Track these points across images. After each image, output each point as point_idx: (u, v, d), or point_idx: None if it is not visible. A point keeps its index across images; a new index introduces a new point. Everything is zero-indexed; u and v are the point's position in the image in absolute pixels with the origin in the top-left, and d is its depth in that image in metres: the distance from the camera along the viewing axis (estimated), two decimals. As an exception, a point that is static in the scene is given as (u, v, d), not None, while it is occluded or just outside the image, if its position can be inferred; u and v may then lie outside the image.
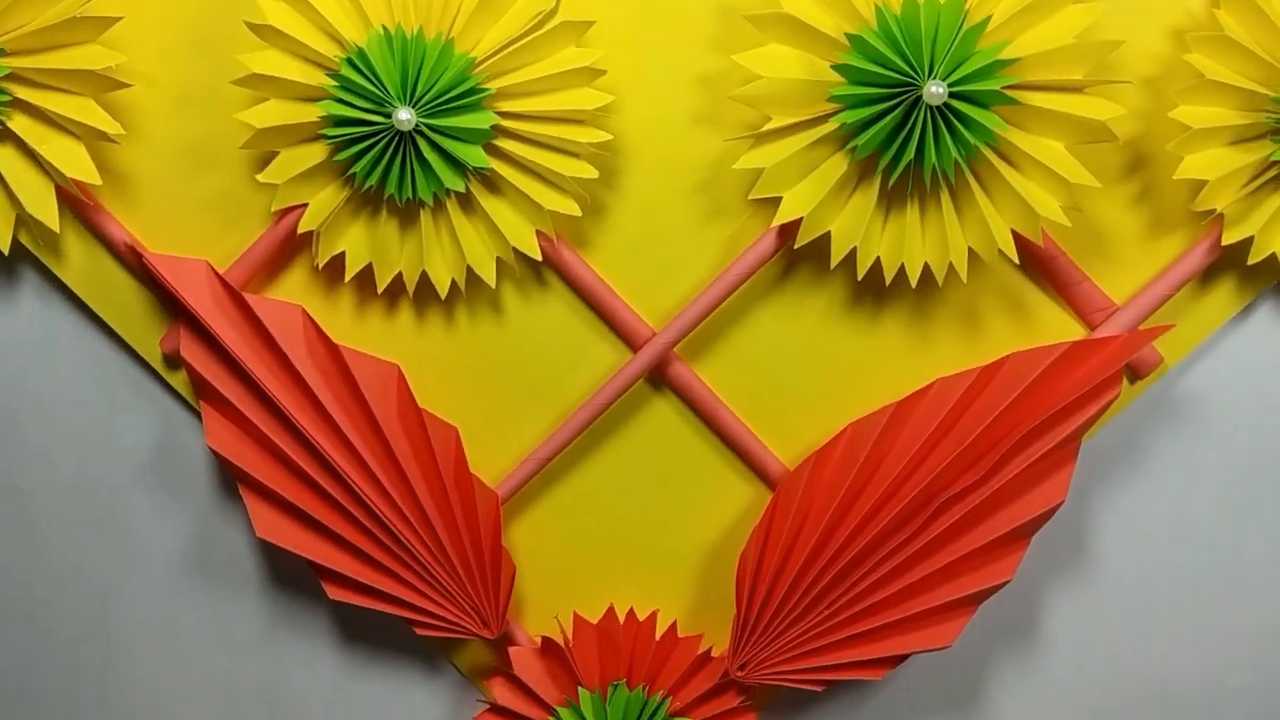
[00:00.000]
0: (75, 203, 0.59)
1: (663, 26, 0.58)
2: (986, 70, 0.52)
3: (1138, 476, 0.62)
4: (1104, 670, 0.63)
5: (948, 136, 0.53)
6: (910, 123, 0.52)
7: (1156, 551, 0.62)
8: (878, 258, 0.56)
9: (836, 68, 0.53)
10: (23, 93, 0.56)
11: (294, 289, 0.60)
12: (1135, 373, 0.59)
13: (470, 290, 0.60)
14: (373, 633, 0.65)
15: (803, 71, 0.54)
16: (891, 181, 0.55)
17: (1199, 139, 0.54)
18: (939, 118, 0.52)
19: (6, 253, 0.58)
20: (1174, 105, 0.54)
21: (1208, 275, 0.58)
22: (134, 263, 0.60)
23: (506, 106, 0.56)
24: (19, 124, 0.56)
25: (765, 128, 0.55)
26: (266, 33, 0.55)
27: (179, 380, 0.62)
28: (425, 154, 0.55)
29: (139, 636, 0.65)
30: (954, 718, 0.64)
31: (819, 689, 0.59)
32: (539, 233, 0.58)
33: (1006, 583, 0.58)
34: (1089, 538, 0.62)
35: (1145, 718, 0.63)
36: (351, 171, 0.56)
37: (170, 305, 0.61)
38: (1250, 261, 0.56)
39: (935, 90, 0.51)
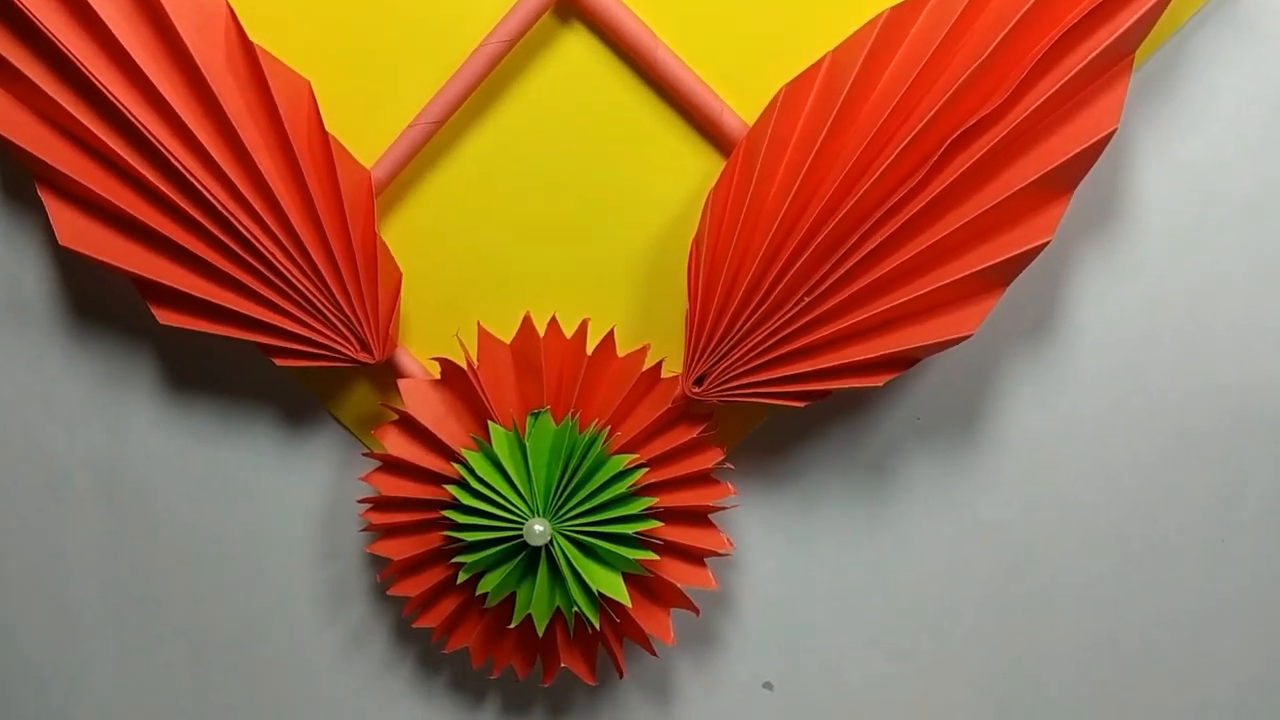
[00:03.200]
0: None
1: None
2: None
3: (1194, 114, 0.47)
4: (1166, 379, 0.49)
5: None
6: None
7: (1214, 213, 0.47)
8: None
9: None
10: None
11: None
12: (1199, -32, 0.45)
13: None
14: (227, 382, 0.50)
15: None
16: None
17: None
18: None
19: None
20: None
21: None
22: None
23: None
24: None
25: None
26: None
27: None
28: None
29: (-69, 404, 0.51)
30: (972, 452, 0.49)
31: (801, 404, 0.45)
32: None
33: (1045, 245, 0.44)
34: (1133, 203, 0.47)
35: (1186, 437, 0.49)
36: None
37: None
38: None
39: None
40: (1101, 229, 0.48)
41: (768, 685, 0.52)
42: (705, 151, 0.47)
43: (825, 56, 0.45)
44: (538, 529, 0.45)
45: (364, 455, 0.48)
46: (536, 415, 0.46)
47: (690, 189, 0.47)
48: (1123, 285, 0.48)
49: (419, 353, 0.48)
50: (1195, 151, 0.47)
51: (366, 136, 0.47)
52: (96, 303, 0.50)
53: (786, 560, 0.50)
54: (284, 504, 0.51)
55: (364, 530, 0.49)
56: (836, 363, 0.45)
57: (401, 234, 0.48)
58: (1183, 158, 0.47)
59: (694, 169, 0.47)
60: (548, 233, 0.48)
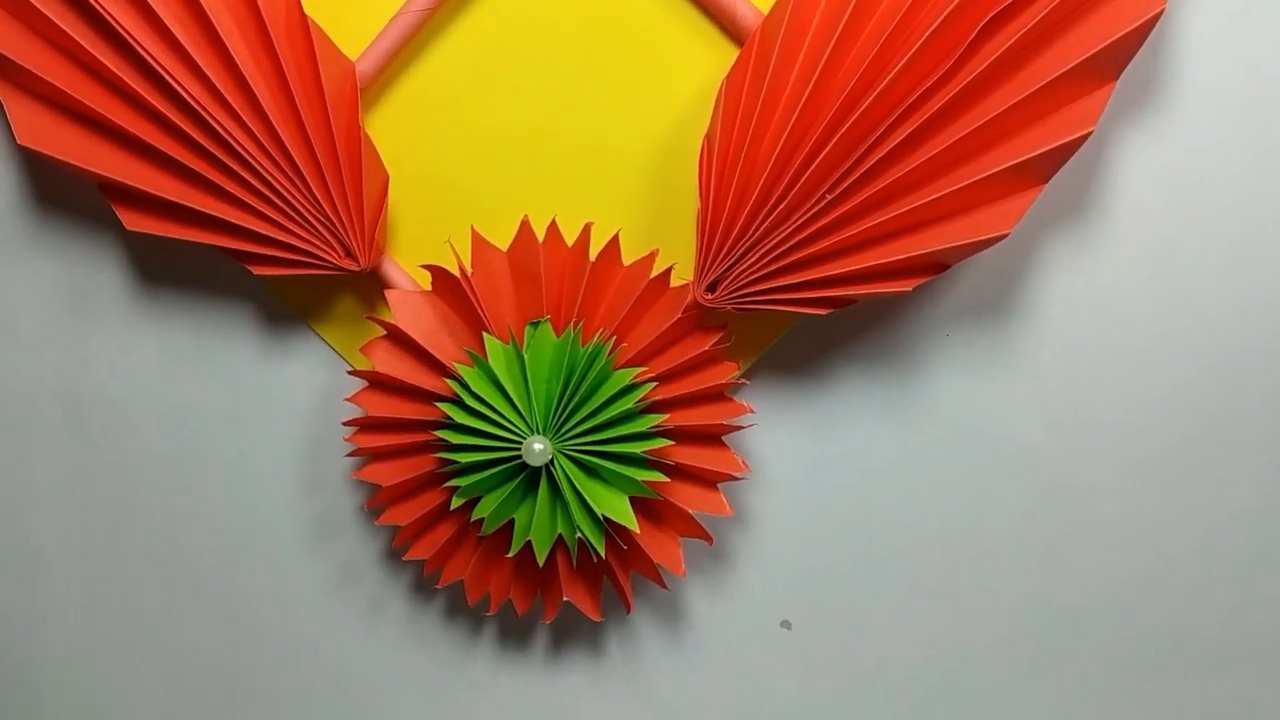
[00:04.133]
0: None
1: None
2: None
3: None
4: (1204, 282, 0.45)
5: None
6: None
7: (1264, 114, 0.44)
8: None
9: None
10: None
11: None
12: None
13: None
14: (202, 296, 0.47)
15: None
16: None
17: None
18: None
19: None
20: None
21: None
22: None
23: None
24: None
25: None
26: None
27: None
28: None
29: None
30: (1005, 373, 0.46)
31: (823, 310, 0.42)
32: None
33: (1086, 137, 0.40)
34: (1179, 81, 0.44)
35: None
36: None
37: None
38: None
39: None
40: (1149, 116, 0.44)
41: (786, 624, 0.48)
42: (717, 43, 0.44)
43: (847, -63, 0.41)
44: (537, 447, 0.42)
45: (349, 374, 0.45)
46: (536, 326, 0.43)
47: (701, 83, 0.44)
48: (1171, 198, 0.44)
49: (407, 262, 0.45)
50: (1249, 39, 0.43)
51: (350, 24, 0.43)
52: (57, 211, 0.46)
53: (806, 486, 0.47)
54: (264, 428, 0.47)
55: (350, 455, 0.45)
56: (861, 266, 0.41)
57: (389, 131, 0.44)
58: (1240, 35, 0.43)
59: (706, 61, 0.44)
60: (547, 130, 0.44)
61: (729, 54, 0.43)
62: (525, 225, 0.43)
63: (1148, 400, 0.46)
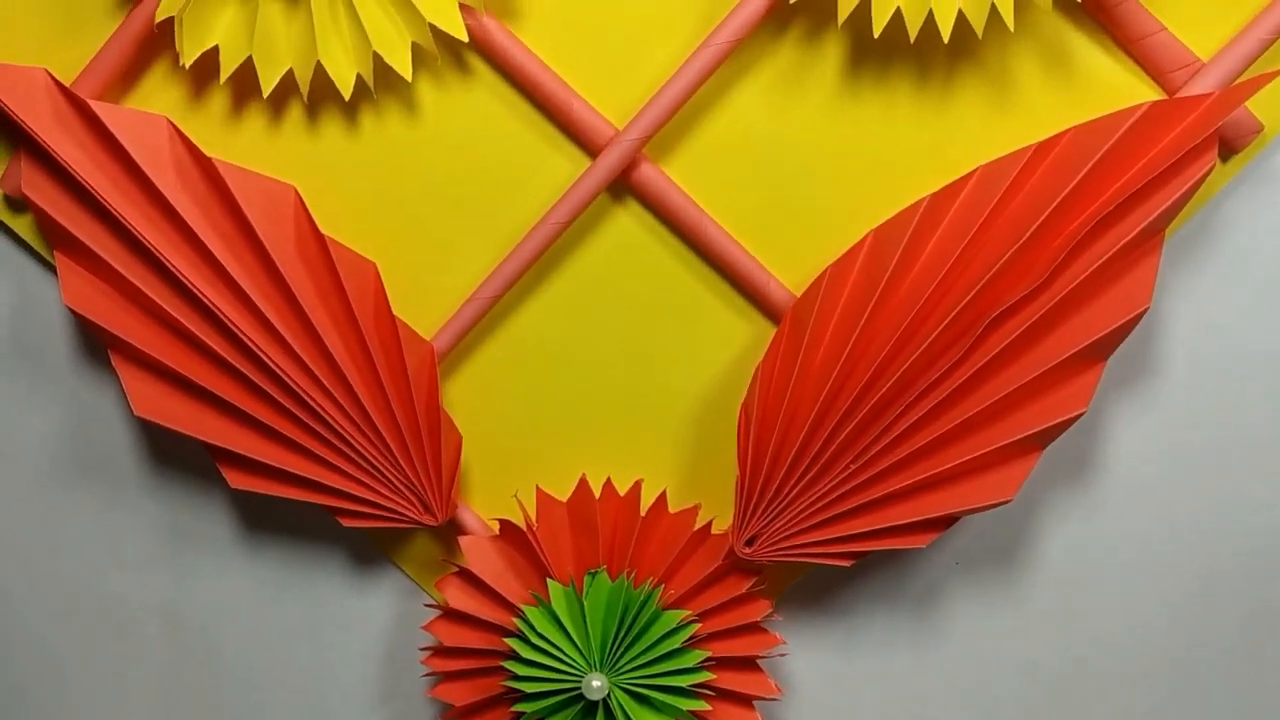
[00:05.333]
0: None
1: None
2: None
3: (1226, 281, 0.49)
4: (1189, 525, 0.51)
5: None
6: None
7: (1252, 373, 0.50)
8: (898, 7, 0.44)
9: None
10: None
11: (157, 100, 0.48)
12: (1228, 147, 0.47)
13: (378, 86, 0.47)
14: (293, 532, 0.52)
15: None
16: (912, -100, 0.42)
17: None
18: None
19: None
20: None
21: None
22: (-48, 78, 0.47)
23: None
24: None
25: None
26: None
27: (25, 226, 0.49)
28: (307, -98, 0.43)
29: (6, 552, 0.53)
30: (1015, 590, 0.51)
31: (848, 563, 0.47)
32: (463, 6, 0.46)
33: (1080, 416, 0.46)
34: (1165, 358, 0.50)
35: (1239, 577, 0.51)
36: (214, -67, 0.44)
37: (5, 130, 0.48)
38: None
39: None
40: (1134, 381, 0.50)
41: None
42: (752, 317, 0.49)
43: (867, 235, 0.47)
44: (595, 684, 0.48)
45: (426, 605, 0.50)
46: (593, 574, 0.48)
47: (737, 352, 0.49)
48: (1154, 436, 0.50)
49: (478, 507, 0.50)
50: (1225, 311, 0.49)
51: (427, 307, 0.49)
52: (166, 458, 0.52)
53: (833, 701, 0.52)
54: (346, 645, 0.53)
55: (425, 676, 0.51)
56: (881, 524, 0.47)
57: (461, 395, 0.50)
58: (1213, 317, 0.49)
59: (742, 333, 0.49)
60: (602, 395, 0.50)
61: (762, 327, 0.49)
62: (583, 482, 0.48)
63: (1136, 618, 0.51)
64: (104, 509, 0.52)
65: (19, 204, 0.49)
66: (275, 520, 0.52)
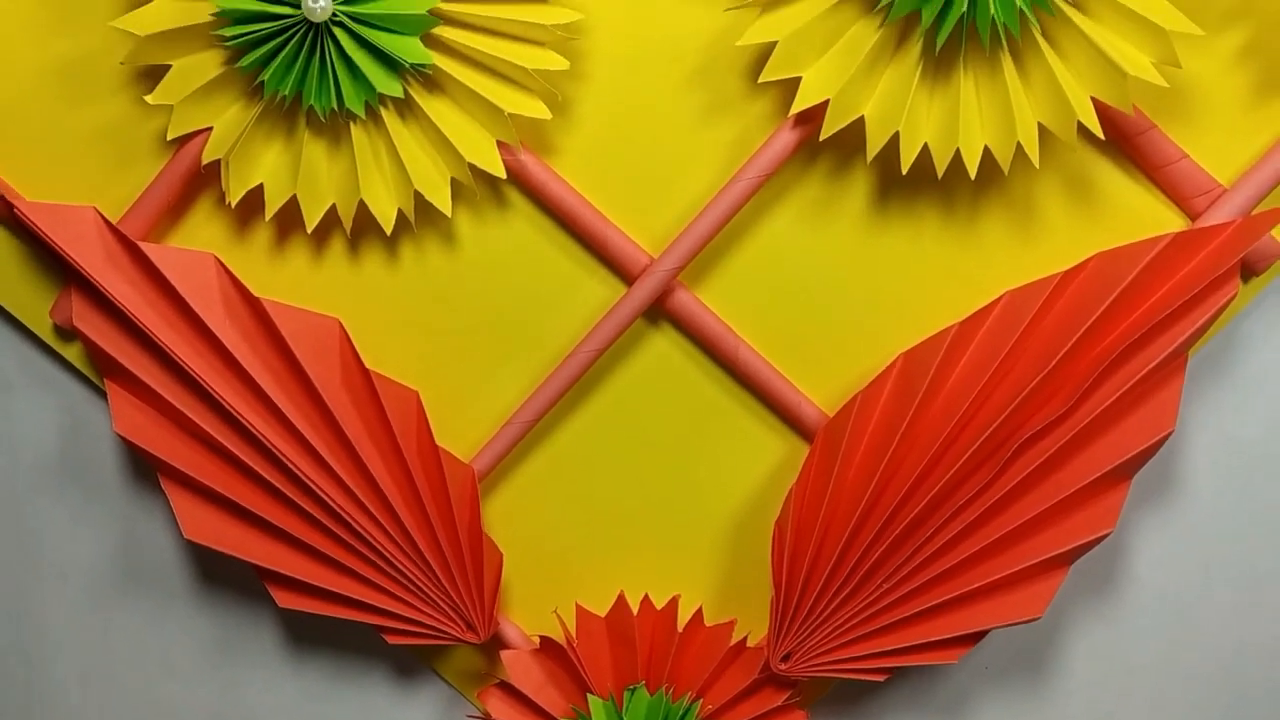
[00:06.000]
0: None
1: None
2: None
3: (1248, 396, 0.50)
4: (1213, 633, 0.52)
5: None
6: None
7: (1274, 485, 0.51)
8: (925, 144, 0.45)
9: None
10: None
11: (203, 234, 0.49)
12: (1249, 269, 0.48)
13: (419, 221, 0.48)
14: (338, 644, 0.54)
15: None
16: (938, 46, 0.43)
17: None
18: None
19: None
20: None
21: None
22: (6, 215, 0.49)
23: (446, -16, 0.44)
24: None
25: (774, -14, 0.43)
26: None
27: (76, 355, 0.51)
28: (349, 51, 0.44)
29: (62, 665, 0.55)
30: (1046, 699, 0.52)
31: (881, 678, 0.49)
32: (500, 143, 0.47)
33: (1106, 535, 0.47)
34: (1189, 471, 0.51)
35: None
36: (260, 80, 0.45)
37: (58, 266, 0.49)
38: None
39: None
40: (1158, 494, 0.51)
41: None
42: (785, 436, 0.50)
43: (897, 359, 0.48)
44: (638, 797, 0.49)
45: (469, 717, 0.52)
46: (633, 690, 0.50)
47: (771, 469, 0.50)
48: (1179, 547, 0.51)
49: (519, 620, 0.52)
50: (1247, 426, 0.50)
51: (467, 429, 0.50)
52: (214, 573, 0.53)
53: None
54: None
55: (470, 783, 0.52)
56: (914, 640, 0.48)
57: (502, 513, 0.51)
58: (1235, 431, 0.50)
59: (775, 451, 0.50)
60: (639, 512, 0.51)
61: (794, 445, 0.50)
62: (621, 599, 0.50)
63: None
64: (154, 622, 0.54)
65: (69, 333, 0.50)
66: (320, 632, 0.54)
